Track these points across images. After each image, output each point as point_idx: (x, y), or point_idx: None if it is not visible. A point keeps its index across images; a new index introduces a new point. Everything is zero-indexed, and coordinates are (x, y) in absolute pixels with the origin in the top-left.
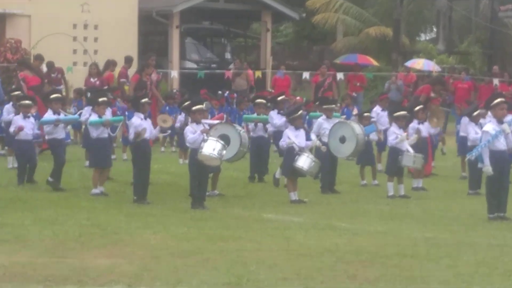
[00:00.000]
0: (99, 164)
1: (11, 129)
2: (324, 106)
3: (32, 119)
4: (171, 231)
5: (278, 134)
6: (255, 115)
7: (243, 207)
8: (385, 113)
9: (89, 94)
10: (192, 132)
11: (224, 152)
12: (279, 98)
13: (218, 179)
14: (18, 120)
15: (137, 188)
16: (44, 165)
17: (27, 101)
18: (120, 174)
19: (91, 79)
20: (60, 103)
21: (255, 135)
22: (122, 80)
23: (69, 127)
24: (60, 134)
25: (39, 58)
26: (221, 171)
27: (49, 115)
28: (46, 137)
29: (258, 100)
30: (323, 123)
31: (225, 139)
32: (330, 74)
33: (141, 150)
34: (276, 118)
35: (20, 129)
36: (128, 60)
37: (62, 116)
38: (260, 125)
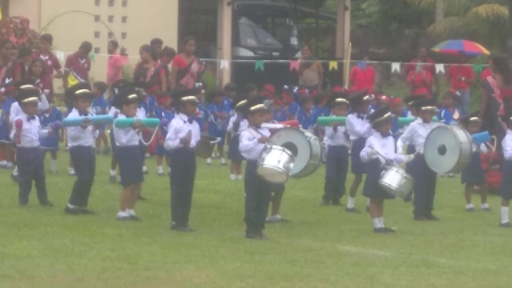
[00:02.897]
0: (133, 179)
1: (11, 135)
2: (423, 108)
3: (37, 121)
4: (219, 267)
5: (360, 144)
6: (333, 116)
7: (313, 237)
8: None
9: (116, 90)
10: (249, 139)
11: (292, 165)
12: (365, 98)
13: (280, 200)
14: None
15: (176, 211)
16: (57, 181)
17: (32, 98)
18: (154, 193)
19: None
20: (88, 101)
21: (333, 144)
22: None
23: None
24: (87, 140)
25: (47, 38)
26: (284, 190)
27: (74, 115)
28: (69, 144)
29: (339, 99)
30: (418, 129)
31: (291, 148)
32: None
33: (182, 161)
34: (358, 124)
35: (19, 124)
36: (168, 53)
37: (90, 115)
38: (341, 131)
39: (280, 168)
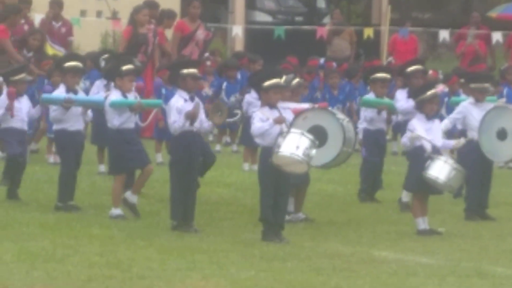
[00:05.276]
0: (124, 168)
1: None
2: (472, 85)
3: (26, 100)
4: (230, 276)
5: (404, 126)
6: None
7: (343, 240)
8: None
9: (103, 62)
10: (262, 120)
11: (314, 152)
12: (411, 69)
13: (305, 195)
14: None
15: (176, 208)
16: (35, 170)
17: (22, 75)
18: (152, 186)
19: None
20: (79, 77)
21: (372, 128)
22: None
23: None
24: (74, 123)
25: (26, 1)
26: (309, 182)
27: (59, 92)
28: (54, 127)
29: (379, 75)
30: (471, 110)
31: (320, 132)
32: None
33: (183, 148)
34: (402, 99)
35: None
36: (168, 15)
37: (79, 95)
38: (384, 114)
39: (299, 156)
